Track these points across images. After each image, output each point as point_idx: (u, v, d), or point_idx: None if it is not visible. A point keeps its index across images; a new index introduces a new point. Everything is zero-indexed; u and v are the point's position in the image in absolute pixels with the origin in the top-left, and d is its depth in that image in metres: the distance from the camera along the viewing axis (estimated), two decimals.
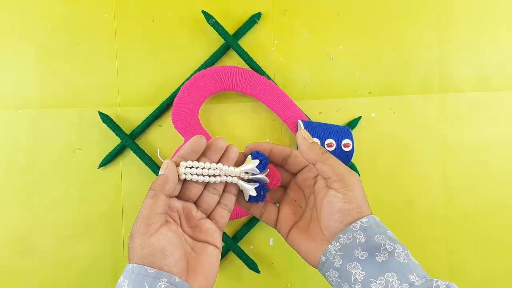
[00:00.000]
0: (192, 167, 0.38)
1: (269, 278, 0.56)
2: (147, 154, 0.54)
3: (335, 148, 0.52)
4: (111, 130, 0.54)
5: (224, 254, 0.55)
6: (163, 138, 0.56)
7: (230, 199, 0.40)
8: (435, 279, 0.36)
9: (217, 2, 0.56)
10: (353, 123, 0.57)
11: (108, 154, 0.55)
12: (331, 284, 0.39)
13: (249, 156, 0.40)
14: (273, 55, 0.56)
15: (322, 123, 0.54)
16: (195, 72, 0.54)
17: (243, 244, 0.56)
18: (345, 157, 0.53)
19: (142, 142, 0.56)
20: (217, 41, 0.55)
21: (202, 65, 0.55)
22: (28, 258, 0.55)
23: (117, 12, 0.56)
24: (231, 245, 0.54)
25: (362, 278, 0.36)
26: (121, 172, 0.56)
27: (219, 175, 0.39)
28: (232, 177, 0.39)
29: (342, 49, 0.57)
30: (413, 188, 0.57)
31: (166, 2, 0.56)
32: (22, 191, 0.55)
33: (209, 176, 0.38)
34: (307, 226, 0.41)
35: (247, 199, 0.41)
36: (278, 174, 0.42)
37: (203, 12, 0.54)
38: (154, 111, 0.55)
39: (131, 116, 0.55)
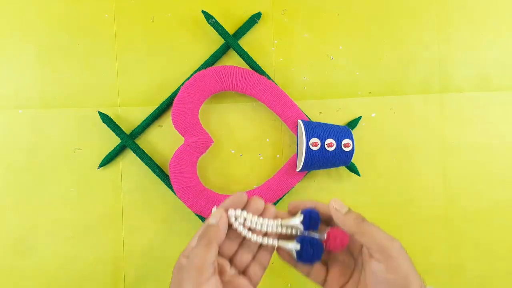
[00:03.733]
0: (240, 218, 0.37)
1: (269, 278, 0.56)
2: (147, 154, 0.54)
3: (335, 148, 0.52)
4: (111, 130, 0.54)
5: None
6: (163, 138, 0.56)
7: (265, 257, 0.39)
8: None
9: (217, 2, 0.56)
10: (353, 123, 0.56)
11: (108, 154, 0.55)
12: None
13: (299, 213, 0.39)
14: (273, 55, 0.56)
15: (322, 123, 0.54)
16: (195, 72, 0.54)
17: None
18: (345, 157, 0.53)
19: (142, 142, 0.56)
20: (217, 41, 0.55)
21: (202, 65, 0.55)
22: (28, 258, 0.55)
23: (117, 12, 0.56)
24: None
25: None
26: (121, 172, 0.56)
27: (269, 237, 0.38)
28: (275, 239, 0.38)
29: (342, 49, 0.57)
30: (413, 188, 0.57)
31: (166, 2, 0.56)
32: (22, 191, 0.55)
33: (260, 235, 0.38)
34: None
35: (296, 258, 0.38)
36: (346, 235, 0.38)
37: (203, 12, 0.54)
38: (154, 111, 0.55)
39: (131, 116, 0.55)
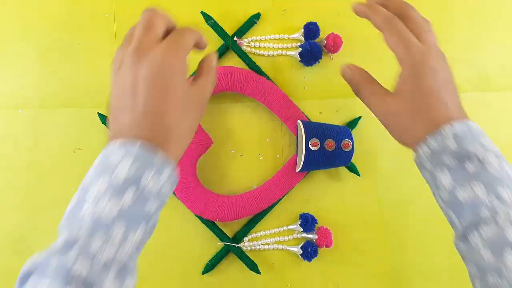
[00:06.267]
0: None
1: (269, 279, 0.56)
2: None
3: (335, 148, 0.52)
4: None
5: (224, 254, 0.55)
6: None
7: None
8: None
9: (216, 2, 0.56)
10: (353, 123, 0.56)
11: None
12: (427, 182, 0.42)
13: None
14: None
15: (322, 123, 0.54)
16: (194, 73, 0.54)
17: None
18: (345, 157, 0.53)
19: None
20: (216, 42, 0.55)
21: None
22: (28, 258, 0.55)
23: (117, 12, 0.56)
24: (231, 245, 0.54)
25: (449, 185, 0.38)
26: None
27: None
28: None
29: (342, 49, 0.57)
30: (413, 188, 0.57)
31: (165, 3, 0.56)
32: (22, 191, 0.55)
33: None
34: None
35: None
36: (330, 236, 0.54)
37: (202, 13, 0.54)
38: None
39: None
